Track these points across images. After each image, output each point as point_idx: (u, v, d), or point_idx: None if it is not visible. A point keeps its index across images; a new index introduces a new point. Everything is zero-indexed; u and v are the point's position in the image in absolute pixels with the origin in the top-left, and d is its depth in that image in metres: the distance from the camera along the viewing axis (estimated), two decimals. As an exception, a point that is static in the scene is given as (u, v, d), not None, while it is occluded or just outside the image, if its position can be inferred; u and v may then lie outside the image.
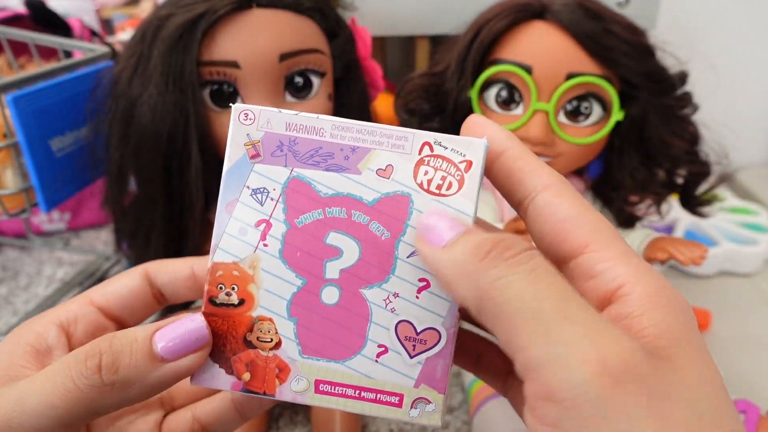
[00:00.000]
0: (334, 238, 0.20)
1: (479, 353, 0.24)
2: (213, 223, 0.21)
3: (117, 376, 0.19)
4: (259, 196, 0.21)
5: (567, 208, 0.19)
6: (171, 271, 0.24)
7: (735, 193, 0.72)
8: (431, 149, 0.20)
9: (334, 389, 0.21)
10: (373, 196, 0.20)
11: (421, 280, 0.20)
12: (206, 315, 0.21)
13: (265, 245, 0.21)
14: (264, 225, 0.21)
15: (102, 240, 0.64)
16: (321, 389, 0.21)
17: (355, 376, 0.21)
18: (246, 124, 0.21)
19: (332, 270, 0.21)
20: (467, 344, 0.24)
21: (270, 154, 0.20)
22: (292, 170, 0.20)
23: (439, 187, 0.20)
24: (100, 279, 0.55)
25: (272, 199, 0.21)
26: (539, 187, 0.19)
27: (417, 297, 0.20)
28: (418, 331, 0.21)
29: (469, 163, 0.20)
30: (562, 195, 0.19)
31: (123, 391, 0.19)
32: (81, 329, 0.23)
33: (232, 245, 0.21)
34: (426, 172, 0.20)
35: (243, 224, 0.21)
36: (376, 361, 0.21)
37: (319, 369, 0.21)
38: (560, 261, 0.19)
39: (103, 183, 0.42)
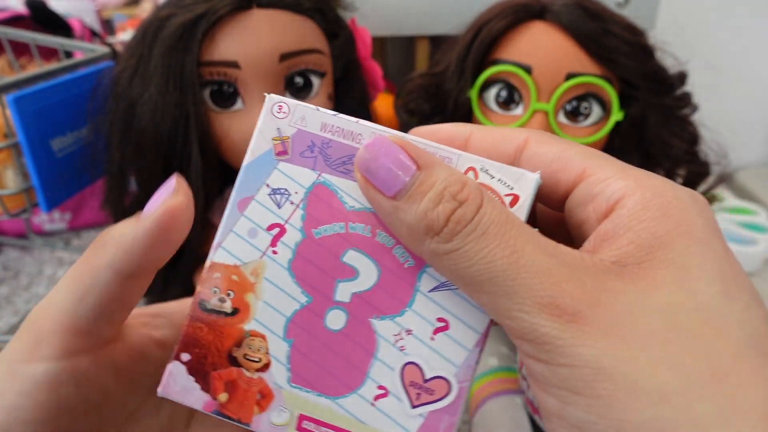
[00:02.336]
0: (351, 257, 0.18)
1: None
2: (213, 224, 0.21)
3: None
4: (277, 197, 0.19)
5: (552, 149, 0.18)
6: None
7: (734, 193, 0.72)
8: (476, 175, 0.18)
9: (319, 429, 0.18)
10: None
11: (440, 320, 0.18)
12: (192, 320, 0.19)
13: (275, 252, 0.19)
14: (277, 230, 0.19)
15: (102, 240, 0.64)
16: (303, 426, 0.18)
17: (344, 417, 0.18)
18: (279, 117, 0.19)
19: (343, 292, 0.18)
20: None
21: (299, 154, 0.19)
22: (319, 175, 0.18)
23: None
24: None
25: (292, 203, 0.19)
26: (518, 147, 0.19)
27: (432, 338, 0.18)
28: (427, 377, 0.18)
29: (516, 198, 0.18)
30: (542, 143, 0.19)
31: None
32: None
33: (238, 246, 0.19)
34: None
35: (254, 225, 0.19)
36: (373, 404, 0.18)
37: (306, 402, 0.18)
38: (562, 200, 0.19)
39: (103, 183, 0.42)
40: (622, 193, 0.17)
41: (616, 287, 0.15)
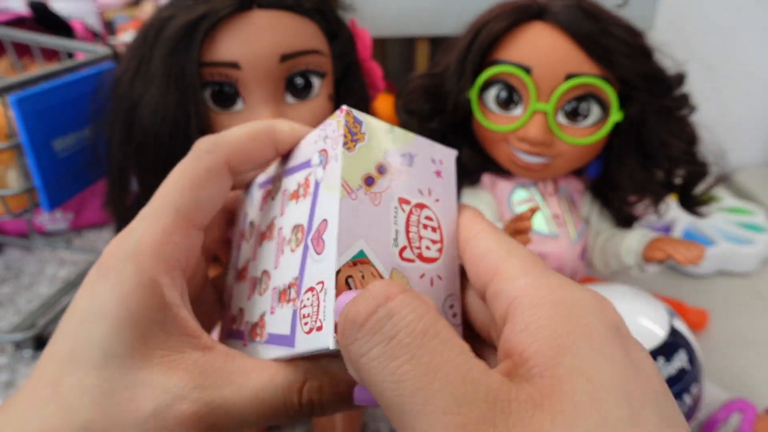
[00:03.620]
0: None
1: None
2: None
3: None
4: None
5: (484, 244, 0.19)
6: (252, 159, 0.23)
7: (733, 193, 0.72)
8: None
9: None
10: None
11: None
12: None
13: None
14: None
15: (104, 240, 0.64)
16: None
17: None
18: None
19: None
20: None
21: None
22: None
23: None
24: (102, 279, 0.55)
25: None
26: (473, 234, 0.20)
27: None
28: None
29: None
30: (485, 236, 0.20)
31: None
32: (191, 265, 0.21)
33: None
34: None
35: None
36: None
37: None
38: (483, 293, 0.19)
39: (105, 183, 0.42)
40: (517, 292, 0.17)
41: (532, 428, 0.14)
